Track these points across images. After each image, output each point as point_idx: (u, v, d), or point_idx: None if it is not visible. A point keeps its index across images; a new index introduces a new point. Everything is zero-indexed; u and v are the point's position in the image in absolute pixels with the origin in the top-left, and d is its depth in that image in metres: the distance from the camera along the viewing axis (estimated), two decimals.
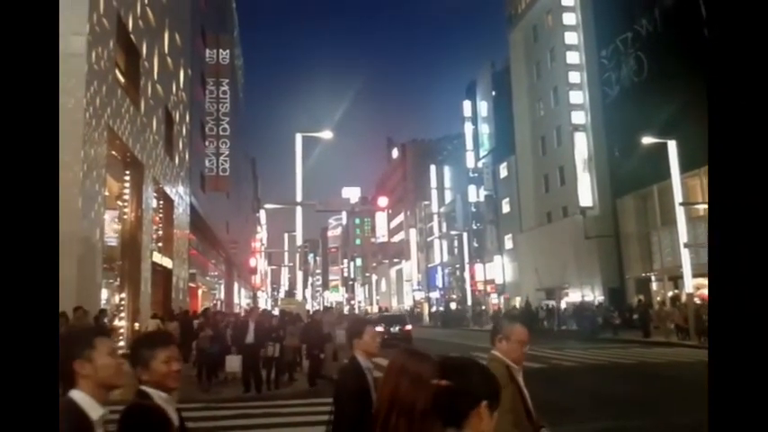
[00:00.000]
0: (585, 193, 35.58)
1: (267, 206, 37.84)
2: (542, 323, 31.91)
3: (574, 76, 37.07)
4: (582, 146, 36.20)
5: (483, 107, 51.04)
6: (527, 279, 39.44)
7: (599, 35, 35.68)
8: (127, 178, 18.77)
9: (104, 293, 18.10)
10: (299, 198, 22.76)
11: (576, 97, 36.81)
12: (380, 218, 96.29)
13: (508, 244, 46.54)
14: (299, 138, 23.08)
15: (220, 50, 37.90)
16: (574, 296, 33.72)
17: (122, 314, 17.78)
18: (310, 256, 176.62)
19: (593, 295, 32.93)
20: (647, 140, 24.65)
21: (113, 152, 16.86)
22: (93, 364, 1.85)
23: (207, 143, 35.33)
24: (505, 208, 47.21)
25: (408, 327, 25.24)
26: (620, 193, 33.34)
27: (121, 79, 17.19)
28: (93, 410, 1.84)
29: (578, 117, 36.58)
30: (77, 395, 1.84)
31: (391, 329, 23.79)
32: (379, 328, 28.47)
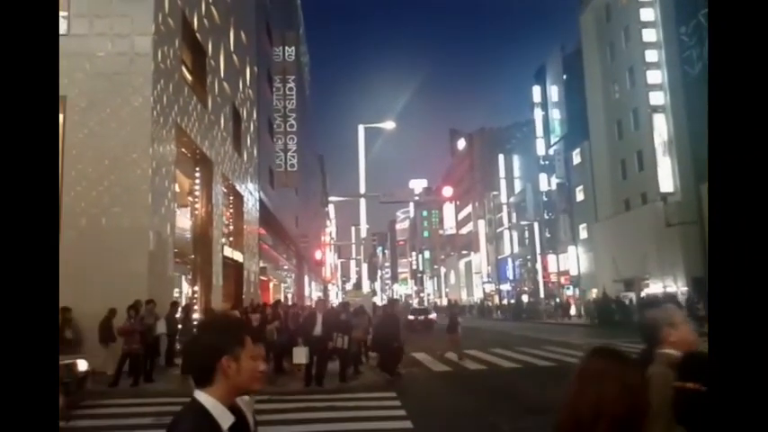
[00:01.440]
0: (666, 178, 33.48)
1: (332, 199, 38.19)
2: (616, 315, 30.33)
3: (651, 55, 34.90)
4: (661, 128, 34.08)
5: (553, 92, 49.21)
6: (604, 270, 37.73)
7: (678, 10, 33.38)
8: (197, 175, 19.27)
9: (184, 286, 18.80)
10: (362, 190, 22.69)
11: (654, 77, 34.66)
12: (448, 209, 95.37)
13: (583, 234, 44.73)
14: (361, 129, 23.03)
15: (286, 48, 38.47)
16: (655, 287, 31.88)
17: (195, 306, 18.29)
18: (379, 249, 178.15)
19: (676, 286, 30.97)
20: None
21: (182, 149, 17.32)
22: (238, 365, 1.60)
23: (275, 139, 36.00)
24: (579, 196, 45.36)
25: (431, 316, 30.69)
26: (704, 178, 31.09)
27: (188, 77, 17.60)
28: (224, 419, 1.55)
29: (657, 98, 34.44)
30: (207, 400, 1.56)
31: (419, 317, 29.80)
32: (411, 317, 31.65)
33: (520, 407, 9.02)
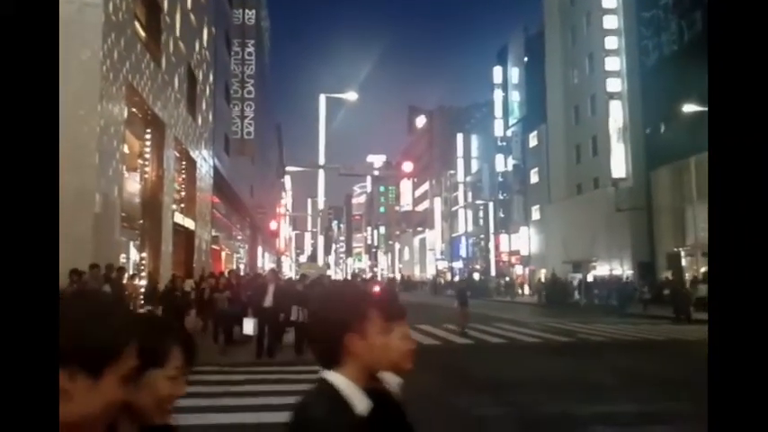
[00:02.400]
0: (619, 165, 34.36)
1: (290, 168, 37.58)
2: (569, 296, 31.22)
3: (611, 42, 35.45)
4: (617, 115, 34.84)
5: (514, 73, 49.50)
6: (554, 251, 38.65)
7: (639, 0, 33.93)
8: (148, 137, 18.44)
9: (132, 253, 18.09)
10: (321, 161, 22.30)
11: (613, 64, 35.27)
12: (405, 186, 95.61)
13: (535, 215, 45.63)
14: (322, 99, 22.55)
15: (246, 10, 37.18)
16: (602, 270, 32.91)
17: (143, 273, 17.68)
18: (334, 223, 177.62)
19: (623, 269, 32.06)
20: (688, 108, 23.35)
21: (133, 109, 16.50)
22: (366, 341, 1.43)
23: (231, 105, 34.92)
24: (534, 178, 46.13)
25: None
26: (654, 165, 32.07)
27: (141, 33, 16.70)
28: (360, 402, 1.37)
29: (614, 84, 35.11)
30: (338, 380, 1.38)
31: None
32: None
33: (474, 384, 9.07)
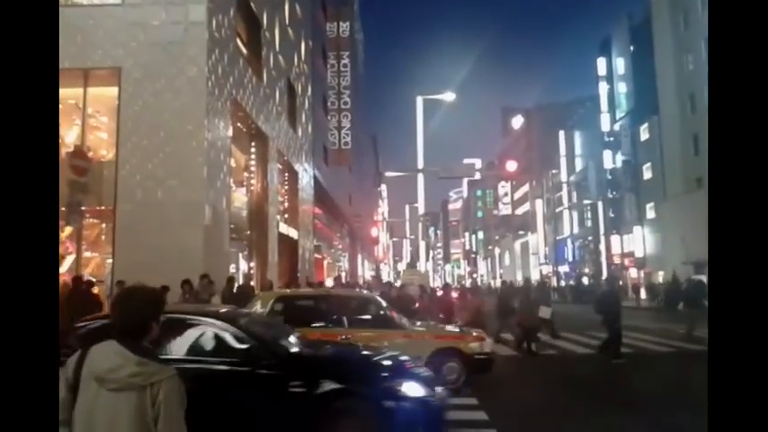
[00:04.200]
0: None
1: (388, 174, 37.56)
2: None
3: None
4: None
5: (620, 64, 46.61)
6: (672, 251, 35.67)
7: None
8: (252, 150, 18.94)
9: (241, 263, 18.64)
10: (420, 164, 21.88)
11: None
12: (503, 189, 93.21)
13: (650, 213, 42.47)
14: (419, 101, 22.15)
15: (340, 23, 37.87)
16: None
17: (252, 282, 18.06)
18: (431, 230, 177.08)
19: None
20: None
21: (238, 124, 16.95)
22: None
23: (329, 117, 35.58)
24: (646, 174, 43.01)
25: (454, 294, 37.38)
26: None
27: (243, 49, 17.15)
28: None
29: None
30: None
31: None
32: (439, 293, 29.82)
33: (608, 400, 8.13)
